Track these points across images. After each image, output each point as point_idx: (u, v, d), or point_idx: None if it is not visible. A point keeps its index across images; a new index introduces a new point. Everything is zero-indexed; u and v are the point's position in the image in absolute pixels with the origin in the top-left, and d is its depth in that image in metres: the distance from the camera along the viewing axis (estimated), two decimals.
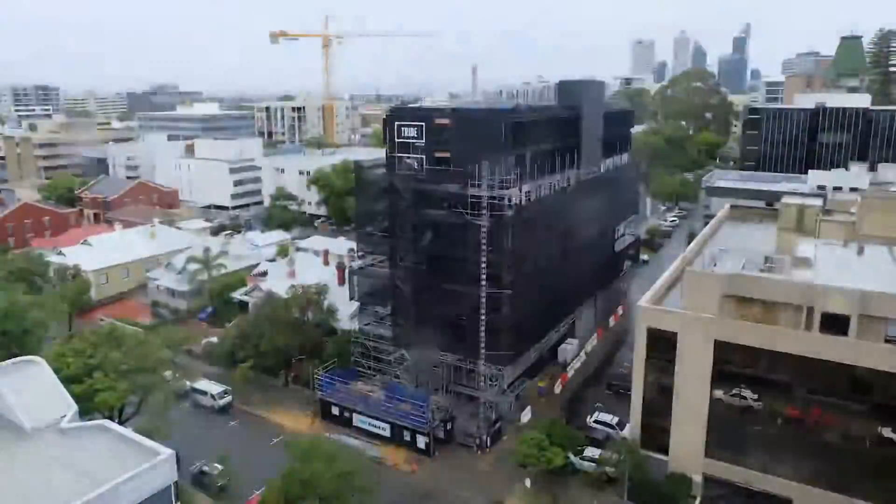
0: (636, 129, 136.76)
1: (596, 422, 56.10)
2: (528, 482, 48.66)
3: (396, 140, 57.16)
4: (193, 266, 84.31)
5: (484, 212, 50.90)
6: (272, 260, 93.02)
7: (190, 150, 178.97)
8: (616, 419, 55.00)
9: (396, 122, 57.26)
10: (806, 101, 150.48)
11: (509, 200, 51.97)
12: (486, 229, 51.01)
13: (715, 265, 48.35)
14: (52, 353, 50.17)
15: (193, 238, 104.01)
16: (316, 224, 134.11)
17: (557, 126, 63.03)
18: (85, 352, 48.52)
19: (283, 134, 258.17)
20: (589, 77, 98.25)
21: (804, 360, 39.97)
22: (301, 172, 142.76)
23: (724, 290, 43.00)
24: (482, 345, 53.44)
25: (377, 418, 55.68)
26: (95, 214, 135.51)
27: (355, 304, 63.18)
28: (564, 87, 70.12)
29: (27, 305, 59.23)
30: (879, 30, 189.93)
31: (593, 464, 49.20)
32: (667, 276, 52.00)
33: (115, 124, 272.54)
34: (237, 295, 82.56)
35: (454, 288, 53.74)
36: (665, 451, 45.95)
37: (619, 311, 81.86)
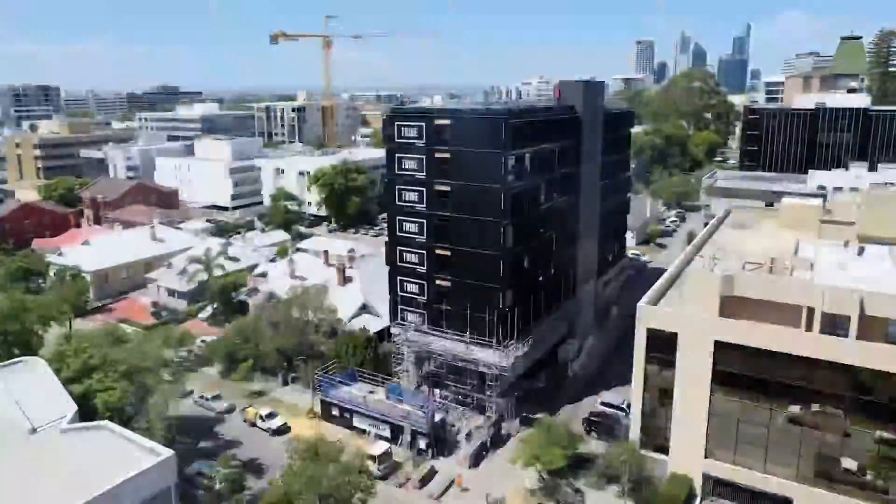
0: (636, 130, 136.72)
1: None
2: (528, 482, 48.64)
3: (396, 140, 57.13)
4: (193, 267, 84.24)
5: None
6: (272, 260, 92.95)
7: (190, 151, 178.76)
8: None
9: (397, 123, 57.23)
10: (806, 101, 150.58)
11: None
12: None
13: (715, 265, 48.35)
14: (52, 353, 50.23)
15: (193, 238, 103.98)
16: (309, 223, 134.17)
17: (557, 127, 62.98)
18: (85, 352, 48.49)
19: (283, 134, 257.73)
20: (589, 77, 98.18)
21: (804, 361, 39.94)
22: (301, 173, 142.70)
23: (724, 290, 42.97)
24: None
25: (377, 419, 55.61)
26: (95, 215, 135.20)
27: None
28: (564, 88, 69.99)
29: (27, 305, 59.23)
30: (880, 30, 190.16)
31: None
32: (667, 276, 51.94)
33: (115, 125, 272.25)
34: (237, 295, 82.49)
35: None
36: (665, 451, 45.92)
37: (615, 311, 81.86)
